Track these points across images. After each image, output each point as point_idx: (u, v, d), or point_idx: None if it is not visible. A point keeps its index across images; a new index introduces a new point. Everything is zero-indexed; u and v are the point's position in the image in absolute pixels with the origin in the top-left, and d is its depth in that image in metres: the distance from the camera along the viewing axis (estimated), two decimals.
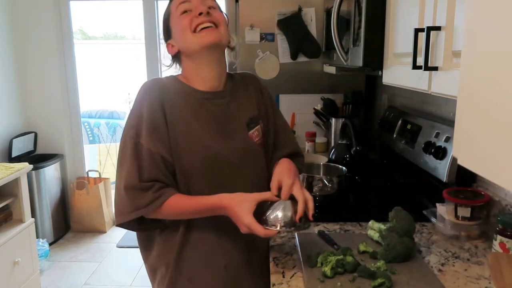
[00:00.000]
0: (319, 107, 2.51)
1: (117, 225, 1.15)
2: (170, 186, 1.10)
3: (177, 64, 1.23)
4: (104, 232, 3.73)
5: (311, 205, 1.09)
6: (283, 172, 1.14)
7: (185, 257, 1.17)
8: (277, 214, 1.06)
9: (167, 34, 1.21)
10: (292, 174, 1.14)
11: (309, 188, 1.61)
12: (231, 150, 1.15)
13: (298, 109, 2.59)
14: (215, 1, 1.19)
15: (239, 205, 1.04)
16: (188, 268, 1.18)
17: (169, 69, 1.25)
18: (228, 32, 1.18)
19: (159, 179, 1.08)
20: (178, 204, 1.09)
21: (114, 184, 1.14)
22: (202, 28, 1.11)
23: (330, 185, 1.60)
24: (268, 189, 1.11)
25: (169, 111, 1.11)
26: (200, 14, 1.11)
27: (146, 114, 1.09)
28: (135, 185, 1.07)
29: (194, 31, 1.12)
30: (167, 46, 1.21)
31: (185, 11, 1.13)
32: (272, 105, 1.33)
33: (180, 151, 1.10)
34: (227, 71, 1.25)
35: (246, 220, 1.02)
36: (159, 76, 1.26)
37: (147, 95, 1.11)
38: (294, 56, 2.54)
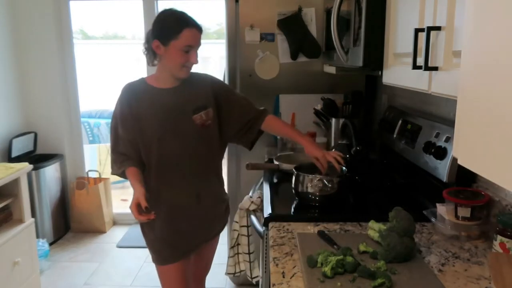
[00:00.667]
0: (319, 107, 2.50)
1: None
2: (132, 159, 1.66)
3: (151, 56, 1.66)
4: (104, 232, 3.73)
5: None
6: (311, 151, 1.70)
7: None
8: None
9: (162, 37, 1.57)
10: (316, 147, 1.72)
11: (309, 188, 1.61)
12: (177, 129, 1.65)
13: (298, 109, 2.59)
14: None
15: (135, 197, 1.56)
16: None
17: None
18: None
19: (126, 153, 1.67)
20: (128, 175, 1.65)
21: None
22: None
23: (330, 185, 1.60)
24: (205, 150, 1.70)
25: (135, 106, 1.64)
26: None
27: (119, 111, 1.66)
28: (112, 154, 1.72)
29: (185, 66, 1.61)
30: (154, 43, 1.58)
31: (186, 51, 1.57)
32: (224, 90, 1.77)
33: (143, 132, 1.63)
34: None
35: (132, 204, 1.55)
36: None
37: (120, 97, 1.68)
38: (294, 56, 2.54)
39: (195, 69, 1.69)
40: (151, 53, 1.64)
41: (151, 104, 1.64)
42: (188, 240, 1.75)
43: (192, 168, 1.69)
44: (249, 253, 1.91)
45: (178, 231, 1.72)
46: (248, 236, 1.89)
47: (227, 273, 2.00)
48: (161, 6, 3.58)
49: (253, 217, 1.82)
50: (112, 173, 1.74)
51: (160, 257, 1.73)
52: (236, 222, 1.92)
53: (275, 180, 2.00)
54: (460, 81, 0.75)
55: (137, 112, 1.63)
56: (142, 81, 1.70)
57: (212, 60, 5.80)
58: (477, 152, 0.70)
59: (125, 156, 1.67)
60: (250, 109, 1.78)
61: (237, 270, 1.98)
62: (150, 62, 1.67)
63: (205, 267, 1.99)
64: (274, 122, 1.78)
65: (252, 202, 1.84)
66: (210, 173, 1.76)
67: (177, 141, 1.65)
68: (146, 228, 1.75)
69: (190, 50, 1.58)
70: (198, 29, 1.59)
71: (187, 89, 1.68)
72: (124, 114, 1.64)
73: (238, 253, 1.96)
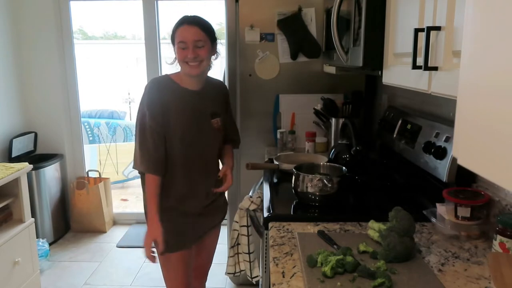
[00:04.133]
0: (319, 107, 2.51)
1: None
2: (158, 161, 1.69)
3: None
4: (104, 232, 3.73)
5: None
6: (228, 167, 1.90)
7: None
8: None
9: (172, 38, 1.71)
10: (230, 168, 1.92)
11: (309, 187, 1.61)
12: (199, 130, 1.75)
13: (298, 109, 2.60)
14: (205, 34, 1.68)
15: (152, 233, 1.73)
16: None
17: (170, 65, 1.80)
18: (210, 58, 1.75)
19: (152, 150, 1.68)
20: (149, 188, 1.71)
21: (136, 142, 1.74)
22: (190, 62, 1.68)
23: (330, 185, 1.60)
24: (215, 152, 1.86)
25: (164, 100, 1.69)
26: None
27: (148, 103, 1.68)
28: (140, 150, 1.70)
29: (186, 62, 1.67)
30: (174, 49, 1.71)
31: (183, 48, 1.65)
32: (228, 102, 1.95)
33: (168, 127, 1.69)
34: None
35: (147, 239, 1.74)
36: (159, 75, 1.84)
37: (149, 90, 1.70)
38: (294, 56, 2.54)
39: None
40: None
41: (178, 102, 1.71)
42: (193, 229, 1.83)
43: (205, 166, 1.81)
44: (249, 253, 1.91)
45: (185, 221, 1.80)
46: (248, 236, 1.89)
47: (227, 273, 2.00)
48: (161, 6, 3.58)
49: (253, 217, 1.83)
50: (134, 167, 1.76)
51: (167, 246, 1.76)
52: (236, 222, 1.92)
53: (275, 180, 2.00)
54: (459, 81, 0.75)
55: (166, 106, 1.68)
56: (167, 78, 1.75)
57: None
58: (477, 152, 0.70)
59: (152, 156, 1.68)
60: (234, 130, 1.99)
61: (237, 270, 1.98)
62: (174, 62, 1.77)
63: (208, 259, 2.06)
64: (229, 152, 1.96)
65: (252, 202, 1.85)
66: (216, 171, 1.89)
67: (197, 141, 1.75)
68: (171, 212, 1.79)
69: (186, 47, 1.65)
70: (192, 25, 1.66)
71: (208, 94, 1.79)
72: (153, 105, 1.68)
73: (238, 253, 1.96)
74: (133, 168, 1.80)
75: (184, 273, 1.83)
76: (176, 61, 1.72)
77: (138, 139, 1.72)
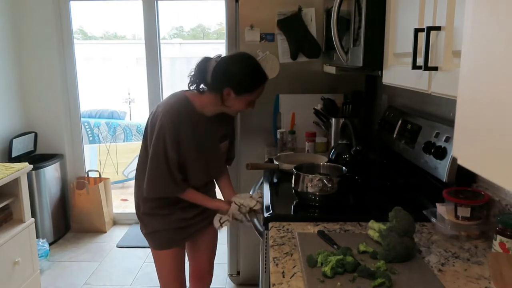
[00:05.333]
0: (319, 107, 2.50)
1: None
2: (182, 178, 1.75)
3: (203, 88, 1.76)
4: (104, 232, 3.73)
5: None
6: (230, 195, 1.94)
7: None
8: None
9: (238, 89, 1.68)
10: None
11: (309, 187, 1.61)
12: (210, 153, 1.83)
13: (298, 109, 2.60)
14: None
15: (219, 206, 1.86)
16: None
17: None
18: None
19: (175, 174, 1.71)
20: (192, 197, 1.81)
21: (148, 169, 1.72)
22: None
23: (330, 185, 1.60)
24: (218, 170, 1.98)
25: (184, 129, 1.70)
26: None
27: (172, 134, 1.67)
28: (168, 178, 1.70)
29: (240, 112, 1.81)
30: (226, 90, 1.68)
31: (250, 103, 1.75)
32: (234, 129, 2.04)
33: (186, 152, 1.73)
34: None
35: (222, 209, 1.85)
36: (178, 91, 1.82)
37: (173, 120, 1.67)
38: (294, 56, 2.54)
39: None
40: (216, 93, 1.70)
41: (195, 128, 1.74)
42: (185, 229, 1.88)
43: (209, 183, 1.95)
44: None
45: (178, 224, 1.85)
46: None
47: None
48: (161, 6, 3.58)
49: (254, 218, 1.82)
50: (176, 195, 1.79)
51: (159, 243, 1.86)
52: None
53: (275, 180, 2.00)
54: (460, 81, 0.75)
55: (185, 134, 1.71)
56: (187, 102, 1.73)
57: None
58: (477, 152, 0.70)
59: (177, 176, 1.72)
60: (232, 148, 2.02)
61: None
62: (197, 88, 1.76)
63: (205, 260, 2.09)
64: (228, 182, 2.04)
65: (257, 202, 1.84)
66: (214, 182, 2.02)
67: (205, 165, 1.84)
68: (151, 218, 1.86)
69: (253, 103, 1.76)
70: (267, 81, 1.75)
71: (219, 118, 1.82)
72: (177, 137, 1.68)
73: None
74: (175, 195, 1.79)
75: (176, 269, 1.90)
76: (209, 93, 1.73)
77: (152, 165, 1.70)
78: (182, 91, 1.79)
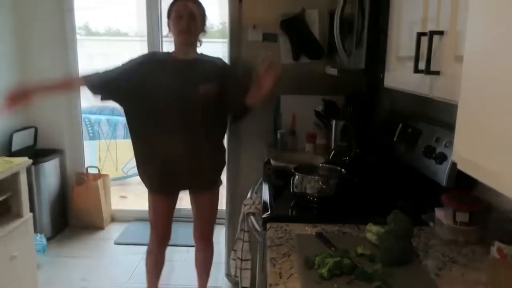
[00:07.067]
0: (320, 108, 2.50)
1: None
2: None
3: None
4: (103, 228, 3.73)
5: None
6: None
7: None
8: None
9: (167, 13, 2.08)
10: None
11: (308, 189, 1.61)
12: (182, 91, 2.02)
13: (299, 110, 2.59)
14: (199, 6, 2.06)
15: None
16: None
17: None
18: (199, 33, 2.10)
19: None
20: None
21: None
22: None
23: (327, 187, 1.59)
24: (199, 117, 2.08)
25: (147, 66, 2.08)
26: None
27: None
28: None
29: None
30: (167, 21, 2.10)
31: (178, 17, 2.01)
32: (229, 68, 2.31)
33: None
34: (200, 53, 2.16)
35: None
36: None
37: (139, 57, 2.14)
38: (296, 57, 2.54)
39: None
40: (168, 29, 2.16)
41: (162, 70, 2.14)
42: (168, 178, 2.13)
43: (186, 126, 2.10)
44: (241, 259, 1.90)
45: (161, 167, 2.11)
46: (244, 241, 1.88)
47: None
48: (164, 3, 3.57)
49: (252, 218, 1.82)
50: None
51: (150, 186, 2.20)
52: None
53: (273, 181, 2.00)
54: (461, 86, 0.75)
55: (146, 75, 2.14)
56: (166, 52, 2.33)
57: None
58: (477, 158, 0.70)
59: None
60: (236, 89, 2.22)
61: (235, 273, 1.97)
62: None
63: (203, 220, 2.34)
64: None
65: (253, 205, 1.84)
66: (199, 138, 2.12)
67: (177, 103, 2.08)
68: (143, 159, 2.18)
69: (182, 16, 2.02)
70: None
71: (194, 63, 2.13)
72: (131, 68, 2.18)
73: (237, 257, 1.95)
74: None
75: (163, 215, 2.26)
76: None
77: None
78: None
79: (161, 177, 2.14)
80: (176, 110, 2.02)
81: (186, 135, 2.05)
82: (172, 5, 2.04)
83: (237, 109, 2.17)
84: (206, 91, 2.01)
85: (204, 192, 2.28)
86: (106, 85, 2.06)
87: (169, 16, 2.05)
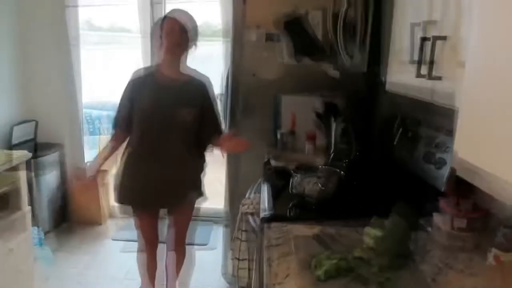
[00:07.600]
0: (320, 109, 2.50)
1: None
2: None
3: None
4: (100, 224, 3.73)
5: None
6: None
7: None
8: None
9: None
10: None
11: (307, 190, 1.61)
12: (163, 113, 2.07)
13: (299, 111, 2.58)
14: (186, 25, 2.03)
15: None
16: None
17: None
18: (190, 48, 2.11)
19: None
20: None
21: None
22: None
23: (326, 188, 1.59)
24: (180, 140, 2.14)
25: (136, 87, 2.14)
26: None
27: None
28: None
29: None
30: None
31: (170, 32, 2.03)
32: (210, 101, 2.18)
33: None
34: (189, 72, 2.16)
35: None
36: None
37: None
38: (298, 58, 2.54)
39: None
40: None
41: (150, 88, 2.21)
42: (147, 195, 2.18)
43: (167, 148, 2.16)
44: (238, 259, 1.90)
45: (144, 182, 2.16)
46: (241, 241, 1.88)
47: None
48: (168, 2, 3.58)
49: (250, 218, 1.82)
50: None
51: (134, 202, 2.30)
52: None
53: (273, 181, 2.00)
54: (463, 91, 0.75)
55: (137, 94, 2.25)
56: (153, 67, 2.29)
57: (214, 60, 5.79)
58: (476, 164, 0.70)
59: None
60: (213, 123, 2.31)
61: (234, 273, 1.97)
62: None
63: (181, 229, 2.39)
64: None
65: (251, 205, 1.85)
66: (180, 160, 2.17)
67: (161, 121, 2.14)
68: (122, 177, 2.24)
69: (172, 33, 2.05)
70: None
71: (182, 83, 2.15)
72: (126, 92, 2.28)
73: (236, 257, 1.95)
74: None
75: (149, 225, 2.37)
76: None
77: None
78: None
79: (142, 194, 2.19)
80: (157, 131, 2.07)
81: (165, 155, 2.10)
82: (162, 20, 2.08)
83: (208, 143, 2.22)
84: (186, 117, 2.06)
85: (181, 208, 2.31)
86: (129, 123, 2.17)
87: (155, 33, 2.12)
